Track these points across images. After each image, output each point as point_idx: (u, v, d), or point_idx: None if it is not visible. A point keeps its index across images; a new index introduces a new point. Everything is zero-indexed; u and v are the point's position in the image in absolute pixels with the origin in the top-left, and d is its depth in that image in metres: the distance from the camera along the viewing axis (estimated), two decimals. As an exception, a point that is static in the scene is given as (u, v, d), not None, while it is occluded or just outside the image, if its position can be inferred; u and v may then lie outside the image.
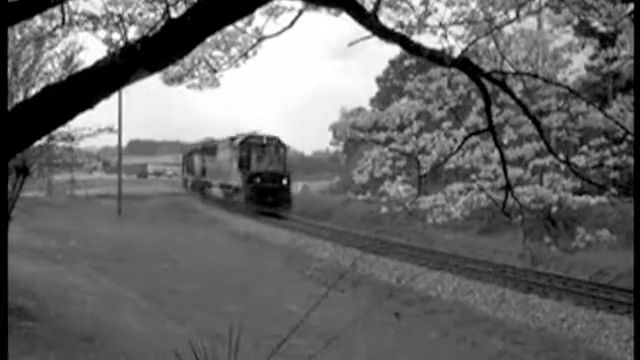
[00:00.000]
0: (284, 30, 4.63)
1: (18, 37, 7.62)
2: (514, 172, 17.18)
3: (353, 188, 30.46)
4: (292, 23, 4.55)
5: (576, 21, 4.79)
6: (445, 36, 4.44)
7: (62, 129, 8.64)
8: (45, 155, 9.38)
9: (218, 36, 4.66)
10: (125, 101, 29.59)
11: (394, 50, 46.32)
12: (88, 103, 3.06)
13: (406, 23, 4.38)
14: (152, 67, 3.14)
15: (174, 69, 4.87)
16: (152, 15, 3.90)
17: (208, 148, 41.15)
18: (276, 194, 29.28)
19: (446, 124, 21.35)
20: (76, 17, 4.01)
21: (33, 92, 7.18)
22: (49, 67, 8.70)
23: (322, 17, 4.90)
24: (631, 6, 4.31)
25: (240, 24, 4.57)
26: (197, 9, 3.04)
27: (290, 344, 2.76)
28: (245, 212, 29.27)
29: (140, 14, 3.95)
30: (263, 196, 28.90)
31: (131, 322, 8.53)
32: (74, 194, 38.45)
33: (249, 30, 4.77)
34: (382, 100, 44.55)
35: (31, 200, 17.33)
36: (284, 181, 29.86)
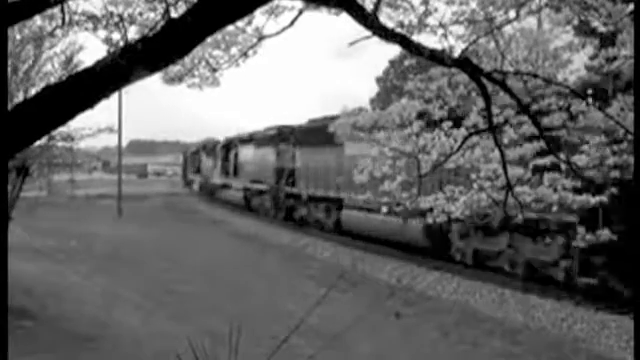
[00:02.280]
0: (284, 29, 4.63)
1: (18, 37, 7.64)
2: (515, 172, 17.12)
3: (353, 187, 26.62)
4: (292, 22, 4.55)
5: (576, 21, 4.78)
6: (445, 36, 4.44)
7: (62, 129, 8.67)
8: (45, 155, 9.40)
9: (218, 35, 4.66)
10: (125, 101, 29.64)
11: (394, 50, 46.34)
12: (88, 103, 3.06)
13: (406, 23, 4.38)
14: (152, 67, 3.14)
15: (174, 68, 4.88)
16: (152, 15, 3.90)
17: (308, 131, 21.33)
18: None
19: (446, 124, 21.28)
20: (76, 17, 4.02)
21: (33, 92, 7.19)
22: (49, 67, 8.74)
23: (323, 17, 4.91)
24: (631, 6, 4.31)
25: (240, 23, 4.57)
26: (197, 9, 3.04)
27: (291, 344, 2.76)
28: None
29: (140, 14, 3.95)
30: None
31: (131, 322, 8.53)
32: (74, 194, 38.48)
33: (249, 29, 4.77)
34: (382, 100, 44.55)
35: (31, 200, 17.32)
36: None
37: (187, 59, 4.70)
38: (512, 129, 6.34)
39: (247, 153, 28.67)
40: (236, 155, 30.83)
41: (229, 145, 33.07)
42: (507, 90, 4.62)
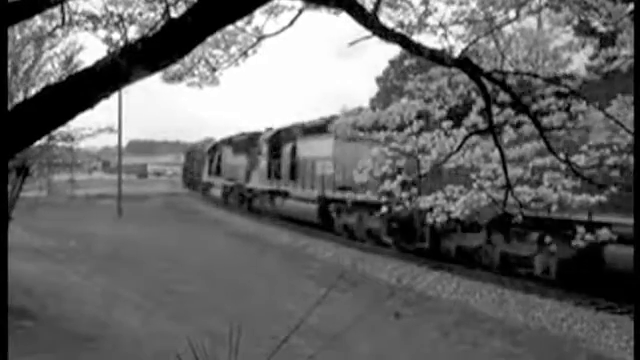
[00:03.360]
0: (284, 29, 4.63)
1: (18, 37, 7.65)
2: (515, 172, 17.09)
3: (353, 187, 25.33)
4: (292, 22, 4.55)
5: (576, 21, 4.79)
6: (445, 36, 4.44)
7: (62, 129, 8.68)
8: (45, 155, 9.41)
9: (218, 35, 4.66)
10: (125, 101, 29.65)
11: (394, 50, 46.33)
12: (88, 103, 3.06)
13: (406, 23, 4.38)
14: (152, 67, 3.14)
15: (174, 68, 4.88)
16: (152, 15, 3.91)
17: None
18: None
19: (446, 123, 21.22)
20: (76, 17, 4.02)
21: (33, 92, 7.19)
22: (49, 67, 8.75)
23: (323, 17, 4.91)
24: (631, 6, 4.31)
25: (240, 23, 4.57)
26: (197, 9, 3.04)
27: (291, 344, 2.76)
28: None
29: (140, 14, 3.96)
30: None
31: (131, 322, 8.53)
32: (74, 194, 38.48)
33: (249, 29, 4.77)
34: (382, 100, 44.53)
35: (31, 200, 17.34)
36: None
37: (187, 58, 4.70)
38: (512, 129, 6.33)
39: (318, 149, 19.69)
40: (294, 152, 21.86)
41: (279, 138, 23.93)
42: (507, 90, 4.62)
